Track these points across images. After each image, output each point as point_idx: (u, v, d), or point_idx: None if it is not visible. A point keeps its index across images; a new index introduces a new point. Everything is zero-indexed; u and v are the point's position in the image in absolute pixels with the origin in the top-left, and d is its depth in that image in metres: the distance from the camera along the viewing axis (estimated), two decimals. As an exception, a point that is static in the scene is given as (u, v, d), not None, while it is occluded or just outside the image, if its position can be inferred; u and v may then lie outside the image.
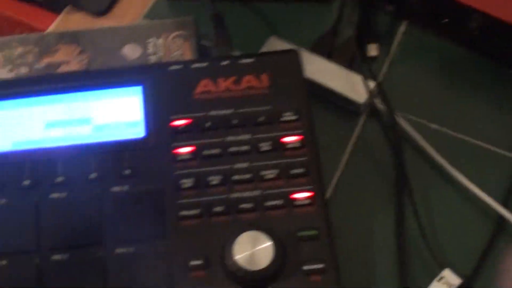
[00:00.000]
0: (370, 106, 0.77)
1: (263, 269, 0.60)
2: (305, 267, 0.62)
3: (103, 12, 0.86)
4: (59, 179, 0.65)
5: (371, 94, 0.74)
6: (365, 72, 0.76)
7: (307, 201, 0.64)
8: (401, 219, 0.73)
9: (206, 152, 0.66)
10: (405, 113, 0.77)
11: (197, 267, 0.62)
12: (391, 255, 0.71)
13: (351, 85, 0.76)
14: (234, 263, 0.60)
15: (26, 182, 0.65)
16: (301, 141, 0.66)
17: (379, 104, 0.75)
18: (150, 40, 0.77)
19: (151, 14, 0.86)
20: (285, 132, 0.67)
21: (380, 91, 0.76)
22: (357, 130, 0.77)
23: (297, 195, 0.65)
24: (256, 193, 0.65)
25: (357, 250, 0.71)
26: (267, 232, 0.61)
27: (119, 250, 0.63)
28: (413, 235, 0.72)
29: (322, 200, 0.65)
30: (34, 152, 0.67)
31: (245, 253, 0.61)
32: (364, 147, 0.77)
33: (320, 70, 0.76)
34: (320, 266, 0.62)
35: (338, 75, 0.77)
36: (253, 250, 0.61)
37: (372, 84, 0.75)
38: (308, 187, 0.65)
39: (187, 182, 0.65)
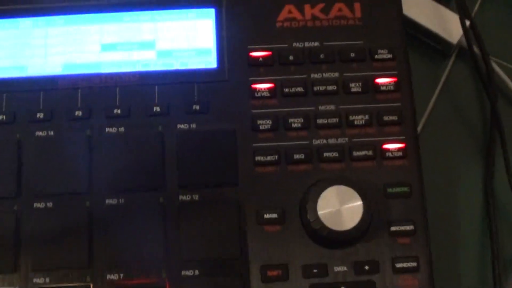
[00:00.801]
0: (460, 47, 0.66)
1: (349, 230, 0.52)
2: (393, 228, 0.54)
3: None
4: (117, 111, 0.56)
5: (466, 34, 0.63)
6: (459, 9, 0.64)
7: (399, 153, 0.55)
8: (490, 173, 0.63)
9: (287, 90, 0.56)
10: (494, 57, 0.67)
11: (272, 221, 0.54)
12: (479, 212, 0.63)
13: (443, 23, 0.65)
14: (317, 220, 0.52)
15: (78, 113, 0.56)
16: (396, 83, 0.57)
17: (472, 46, 0.64)
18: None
19: None
20: (378, 73, 0.57)
21: (475, 32, 0.65)
22: (445, 72, 0.67)
23: (388, 146, 0.55)
24: (342, 140, 0.55)
25: (442, 206, 0.62)
26: (357, 189, 0.52)
27: (183, 197, 0.54)
28: (503, 192, 0.63)
29: (415, 152, 0.56)
30: (88, 77, 0.57)
31: (330, 210, 0.52)
32: (451, 91, 0.67)
33: (411, 3, 0.65)
34: (409, 227, 0.54)
35: (430, 11, 0.66)
36: (341, 207, 0.52)
37: (467, 23, 0.64)
38: (401, 137, 0.56)
39: (265, 123, 0.55)
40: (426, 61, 0.67)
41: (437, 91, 0.66)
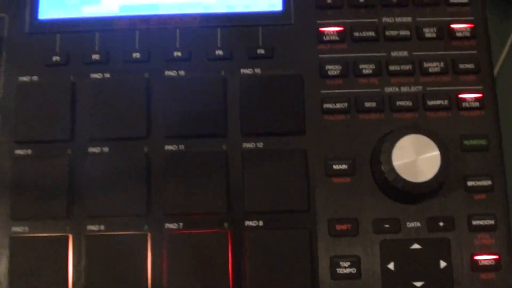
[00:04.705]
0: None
1: (426, 182, 0.45)
2: (470, 183, 0.48)
3: None
4: (177, 53, 0.50)
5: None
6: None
7: (475, 104, 0.49)
8: None
9: (357, 34, 0.50)
10: None
11: (341, 172, 0.48)
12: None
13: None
14: (392, 171, 0.45)
15: (136, 55, 0.50)
16: (472, 30, 0.50)
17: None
18: None
19: None
20: (453, 18, 0.50)
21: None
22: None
23: (465, 95, 0.49)
24: (416, 89, 0.49)
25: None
26: (435, 138, 0.45)
27: (247, 145, 0.48)
28: None
29: (493, 103, 0.49)
30: (146, 18, 0.51)
31: (406, 160, 0.45)
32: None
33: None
34: (486, 182, 0.48)
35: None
36: (417, 157, 0.45)
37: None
38: (478, 87, 0.49)
39: (334, 69, 0.49)
40: (500, 9, 0.60)
41: (510, 41, 0.59)
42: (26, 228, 0.47)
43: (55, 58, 0.49)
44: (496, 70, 0.58)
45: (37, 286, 0.46)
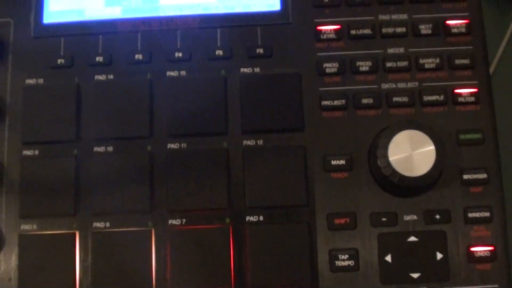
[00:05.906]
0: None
1: (422, 176, 0.47)
2: (466, 176, 0.49)
3: None
4: (178, 54, 0.51)
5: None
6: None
7: (471, 98, 0.50)
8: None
9: (354, 32, 0.51)
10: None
11: (339, 168, 0.49)
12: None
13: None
14: (388, 166, 0.47)
15: (139, 56, 0.51)
16: (467, 26, 0.51)
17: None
18: None
19: None
20: (448, 14, 0.51)
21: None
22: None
23: (460, 90, 0.50)
24: (412, 84, 0.50)
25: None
26: (430, 133, 0.47)
27: (247, 142, 0.50)
28: None
29: (488, 98, 0.50)
30: (147, 21, 0.52)
31: (402, 155, 0.47)
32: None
33: None
34: (482, 176, 0.49)
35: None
36: (413, 152, 0.47)
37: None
38: (473, 82, 0.50)
39: (331, 67, 0.50)
40: (494, 7, 0.61)
41: (507, 37, 0.60)
42: (35, 226, 0.49)
43: (60, 61, 0.51)
44: (493, 66, 0.59)
45: (46, 281, 0.48)
